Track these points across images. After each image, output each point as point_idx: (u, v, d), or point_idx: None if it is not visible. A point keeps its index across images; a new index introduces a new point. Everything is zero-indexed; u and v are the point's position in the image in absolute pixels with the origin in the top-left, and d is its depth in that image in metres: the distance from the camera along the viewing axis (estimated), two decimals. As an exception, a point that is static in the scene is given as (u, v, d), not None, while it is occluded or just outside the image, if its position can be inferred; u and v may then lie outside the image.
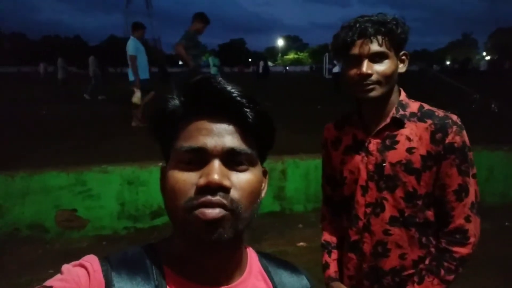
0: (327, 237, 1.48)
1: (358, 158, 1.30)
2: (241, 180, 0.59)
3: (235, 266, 0.66)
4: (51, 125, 7.92)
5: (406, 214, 1.24)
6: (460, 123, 1.21)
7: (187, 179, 0.58)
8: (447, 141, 1.19)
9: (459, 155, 1.20)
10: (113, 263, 0.60)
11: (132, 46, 6.53)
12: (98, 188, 3.76)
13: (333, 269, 1.42)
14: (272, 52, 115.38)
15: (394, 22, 1.18)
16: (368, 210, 1.29)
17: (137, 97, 6.66)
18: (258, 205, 0.63)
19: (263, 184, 0.67)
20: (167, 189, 0.60)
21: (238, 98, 0.59)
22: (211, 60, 14.42)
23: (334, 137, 1.40)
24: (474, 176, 1.24)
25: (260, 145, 0.64)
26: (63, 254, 3.46)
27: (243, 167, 0.60)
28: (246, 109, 0.60)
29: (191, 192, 0.57)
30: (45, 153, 5.20)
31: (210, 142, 0.58)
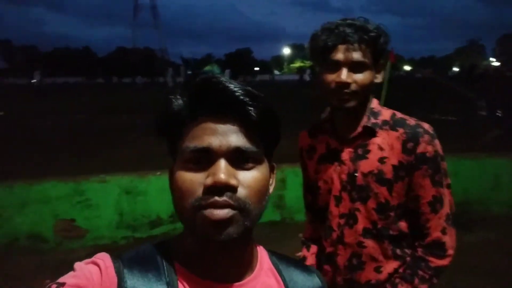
0: (307, 234, 1.46)
1: (331, 167, 1.27)
2: (248, 178, 0.59)
3: (245, 263, 0.67)
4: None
5: (379, 226, 1.21)
6: (432, 132, 1.17)
7: (194, 179, 0.58)
8: (418, 151, 1.15)
9: (432, 165, 1.16)
10: (125, 260, 0.61)
11: None
12: (97, 197, 3.76)
13: (310, 262, 1.39)
14: (278, 61, 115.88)
15: (377, 31, 1.13)
16: (342, 221, 1.25)
17: None
18: (266, 201, 0.63)
19: (271, 180, 0.67)
20: (175, 189, 0.61)
21: (241, 97, 0.59)
22: (215, 69, 14.66)
23: (308, 145, 1.36)
24: (448, 186, 1.21)
25: (266, 142, 0.64)
26: (61, 264, 3.45)
27: (250, 165, 0.60)
28: (249, 107, 0.59)
29: (199, 192, 0.57)
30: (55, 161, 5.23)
31: (215, 141, 0.58)
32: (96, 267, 0.59)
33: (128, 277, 0.58)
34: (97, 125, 9.51)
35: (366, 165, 1.19)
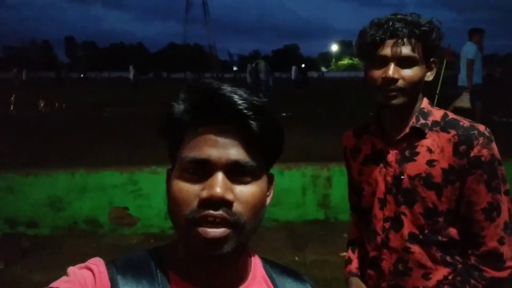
0: (353, 236, 1.43)
1: (376, 169, 1.23)
2: (245, 193, 0.59)
3: (238, 272, 0.67)
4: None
5: (426, 231, 1.15)
6: (488, 134, 1.10)
7: (190, 190, 0.58)
8: (472, 154, 1.08)
9: (488, 170, 1.09)
10: (118, 266, 0.62)
11: (473, 50, 6.81)
12: (148, 188, 3.95)
13: (355, 265, 1.36)
14: (325, 58, 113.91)
15: (429, 26, 1.09)
16: (387, 224, 1.21)
17: (464, 100, 6.84)
18: (262, 215, 0.63)
19: (269, 191, 0.67)
20: (171, 197, 0.61)
21: (245, 111, 0.58)
22: (261, 65, 14.73)
23: (352, 145, 1.33)
24: (506, 193, 1.13)
25: (267, 154, 0.64)
26: (115, 249, 3.67)
27: (247, 179, 0.60)
28: (251, 121, 0.58)
29: (194, 203, 0.57)
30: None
31: (214, 154, 0.58)
32: (89, 273, 0.59)
33: (122, 283, 0.59)
34: (151, 118, 9.99)
35: (413, 168, 1.15)
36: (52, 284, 0.57)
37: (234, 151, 0.59)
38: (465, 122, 1.13)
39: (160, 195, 3.96)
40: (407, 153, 1.17)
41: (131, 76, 25.22)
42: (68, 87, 27.04)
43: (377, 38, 1.08)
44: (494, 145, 1.11)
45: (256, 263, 0.72)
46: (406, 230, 1.17)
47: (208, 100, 0.60)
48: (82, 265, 0.62)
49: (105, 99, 16.05)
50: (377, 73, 1.11)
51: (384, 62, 1.09)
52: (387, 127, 1.22)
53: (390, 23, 1.08)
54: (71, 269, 0.60)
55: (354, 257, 1.39)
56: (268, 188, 0.66)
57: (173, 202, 0.60)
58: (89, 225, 3.93)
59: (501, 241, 1.10)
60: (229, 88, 0.60)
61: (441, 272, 1.16)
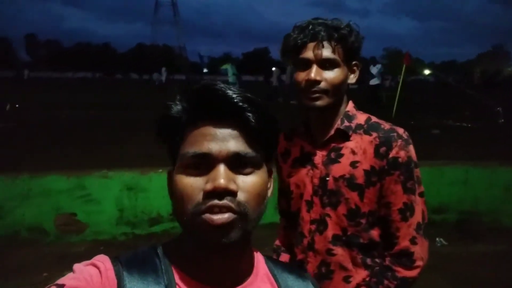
0: (278, 242, 1.44)
1: (304, 171, 1.24)
2: (247, 183, 0.60)
3: (242, 268, 0.67)
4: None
5: (349, 233, 1.17)
6: (406, 137, 1.15)
7: (194, 184, 0.59)
8: (390, 155, 1.12)
9: (404, 171, 1.13)
10: (124, 263, 0.62)
11: None
12: (98, 192, 3.79)
13: None
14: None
15: (348, 29, 1.13)
16: (313, 227, 1.22)
17: None
18: (265, 205, 0.64)
19: (269, 184, 0.68)
20: (175, 194, 0.62)
21: (240, 103, 0.60)
22: (229, 68, 14.70)
23: (283, 148, 1.33)
24: (421, 194, 1.17)
25: (264, 146, 0.65)
26: (61, 258, 3.48)
27: (248, 170, 0.61)
28: (248, 113, 0.60)
29: (199, 197, 0.58)
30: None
31: (214, 147, 0.60)
32: (96, 269, 0.60)
33: (128, 279, 0.59)
34: (109, 120, 9.68)
35: (338, 169, 1.17)
36: (58, 281, 0.57)
37: (233, 143, 0.60)
38: (386, 125, 1.17)
39: (111, 200, 3.83)
40: (332, 155, 1.19)
41: (163, 78, 23.94)
42: (28, 87, 25.76)
43: (299, 41, 1.12)
44: (411, 147, 1.15)
45: (259, 259, 0.72)
46: (330, 232, 1.19)
47: (204, 97, 0.62)
48: (88, 262, 0.62)
49: (67, 100, 15.40)
50: (301, 76, 1.14)
51: (307, 64, 1.13)
52: (314, 129, 1.24)
53: (311, 27, 1.12)
54: (77, 266, 0.60)
55: None
56: (269, 181, 0.67)
57: (178, 198, 0.61)
58: (33, 233, 3.71)
59: (413, 241, 1.13)
60: (222, 85, 0.62)
61: (361, 275, 1.18)
